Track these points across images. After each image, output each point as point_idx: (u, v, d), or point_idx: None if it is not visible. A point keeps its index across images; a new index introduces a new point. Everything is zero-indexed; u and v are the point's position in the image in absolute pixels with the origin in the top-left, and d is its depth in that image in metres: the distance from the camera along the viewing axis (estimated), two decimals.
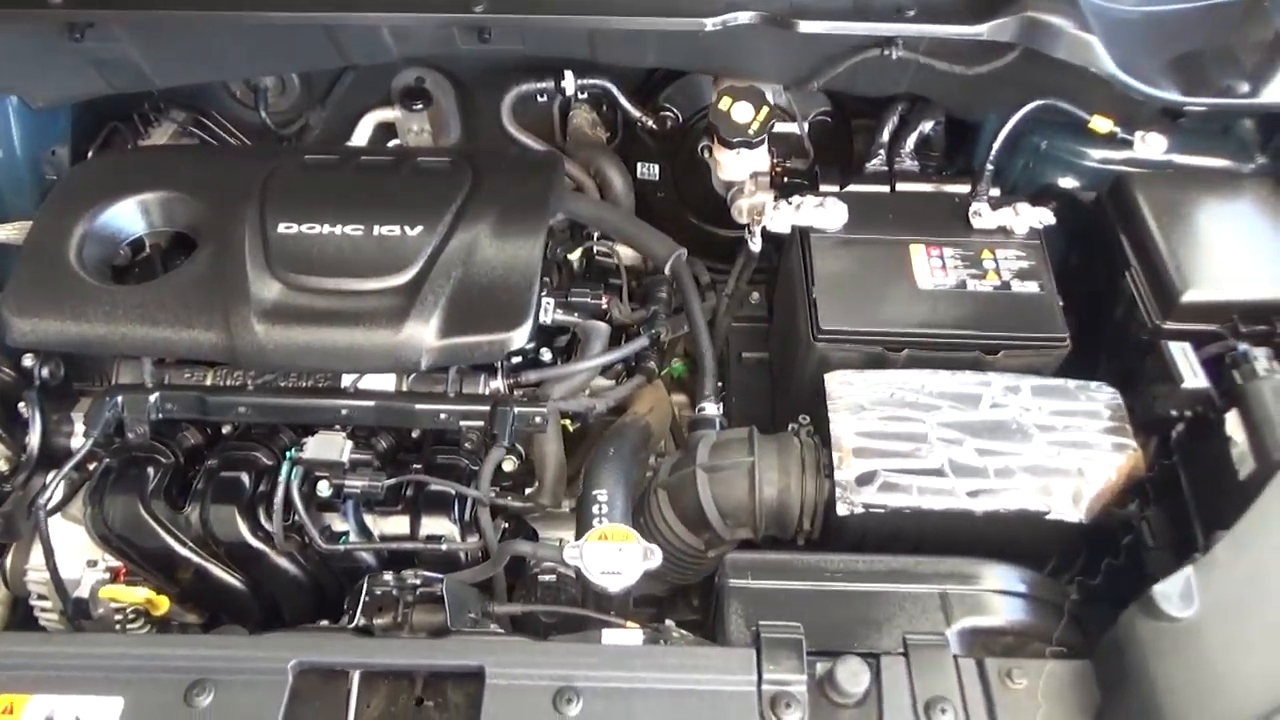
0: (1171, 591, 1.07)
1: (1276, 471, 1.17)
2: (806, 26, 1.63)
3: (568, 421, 1.73)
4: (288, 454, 1.51)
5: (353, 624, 1.24)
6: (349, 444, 1.49)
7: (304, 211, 1.66)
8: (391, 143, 2.25)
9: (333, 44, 1.79)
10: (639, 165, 2.24)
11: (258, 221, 1.64)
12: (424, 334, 1.53)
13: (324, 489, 1.48)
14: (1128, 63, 1.64)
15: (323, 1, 1.70)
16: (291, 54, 1.85)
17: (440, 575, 1.26)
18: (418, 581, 1.24)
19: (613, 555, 1.26)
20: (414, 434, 1.68)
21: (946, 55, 1.71)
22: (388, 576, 1.25)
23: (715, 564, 1.58)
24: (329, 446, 1.48)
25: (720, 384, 1.94)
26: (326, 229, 1.64)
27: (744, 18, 1.62)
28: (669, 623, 1.37)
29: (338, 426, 1.55)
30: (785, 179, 1.99)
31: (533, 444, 1.66)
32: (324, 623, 1.37)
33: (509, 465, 1.71)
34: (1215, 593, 1.08)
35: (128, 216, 1.70)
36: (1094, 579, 1.36)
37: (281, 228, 1.64)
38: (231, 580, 1.55)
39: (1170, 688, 1.03)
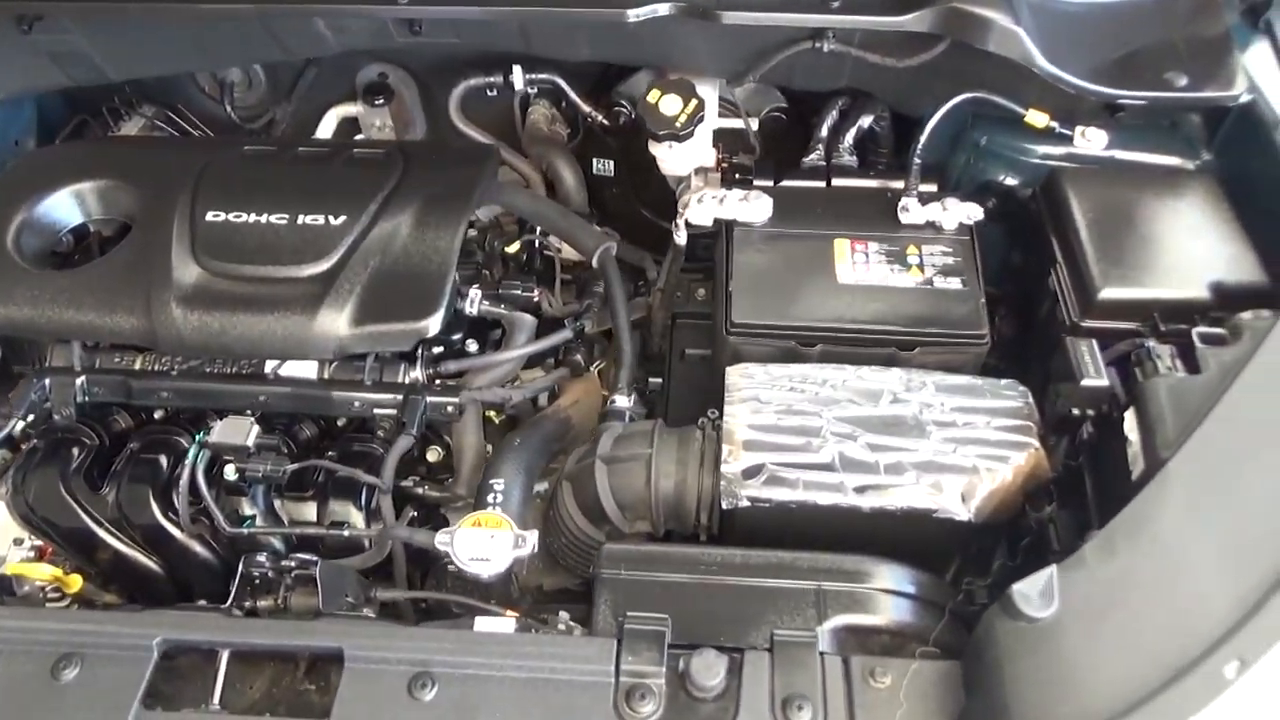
0: (1031, 591, 1.03)
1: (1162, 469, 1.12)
2: (730, 18, 1.62)
3: (494, 414, 1.73)
4: (196, 437, 1.52)
5: (228, 605, 1.24)
6: (255, 428, 1.50)
7: (234, 200, 1.68)
8: (356, 138, 2.27)
9: (271, 37, 1.81)
10: (595, 161, 2.24)
11: (188, 210, 1.67)
12: (337, 322, 1.54)
13: (230, 472, 1.49)
14: (1063, 56, 1.59)
15: None
16: (235, 47, 1.88)
17: (316, 559, 1.26)
18: (292, 564, 1.24)
19: (483, 542, 1.25)
20: (340, 423, 1.69)
21: (879, 48, 1.68)
22: (262, 558, 1.25)
23: None
24: (235, 430, 1.49)
25: (649, 378, 1.94)
26: (253, 217, 1.66)
27: (664, 9, 1.61)
28: (563, 614, 1.36)
29: (249, 412, 1.56)
30: (736, 175, 1.97)
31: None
32: (202, 603, 1.38)
33: (433, 455, 1.72)
34: (1078, 594, 1.04)
35: (66, 205, 1.75)
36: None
37: (210, 216, 1.66)
38: (147, 563, 1.57)
39: (1021, 689, 1.00)
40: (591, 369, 1.85)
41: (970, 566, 1.44)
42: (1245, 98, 1.56)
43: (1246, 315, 1.33)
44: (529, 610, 1.50)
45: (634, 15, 1.62)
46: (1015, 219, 1.76)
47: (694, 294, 2.04)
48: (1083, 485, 1.34)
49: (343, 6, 1.67)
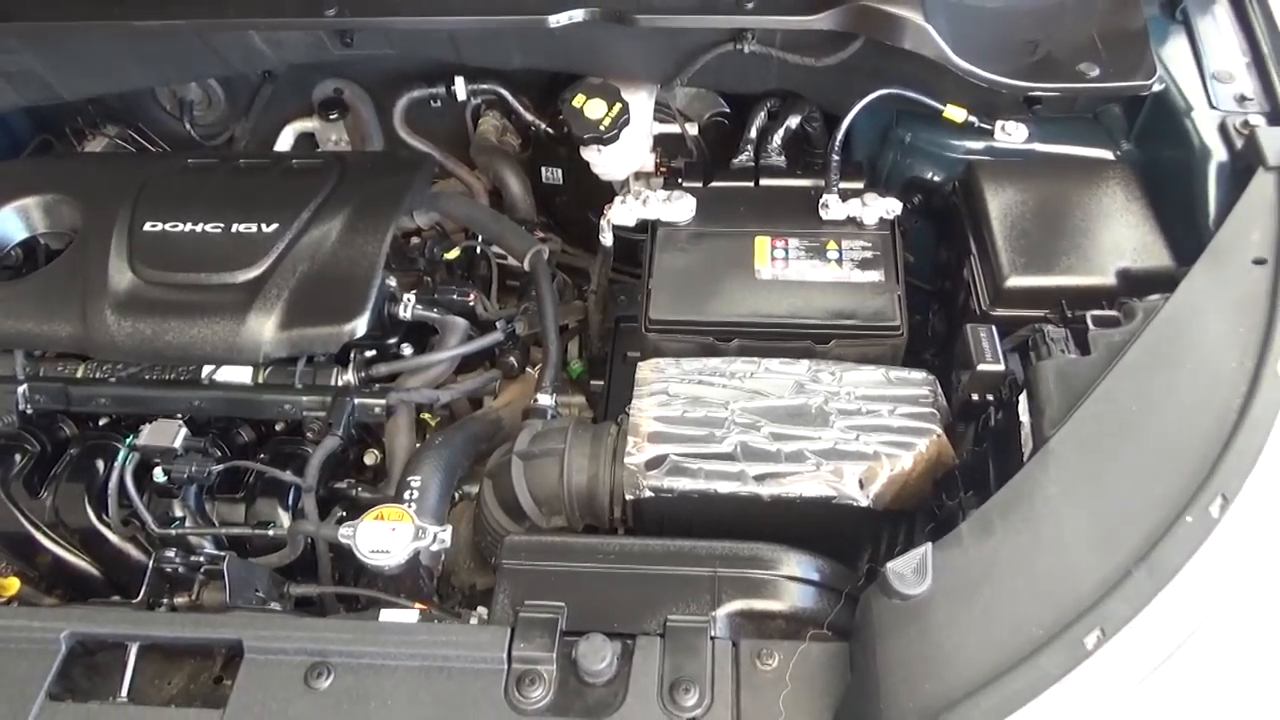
0: (904, 569, 1.04)
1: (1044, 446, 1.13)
2: (646, 21, 1.65)
3: (429, 416, 1.76)
4: (125, 440, 1.56)
5: (139, 600, 1.27)
6: (183, 431, 1.53)
7: (171, 210, 1.73)
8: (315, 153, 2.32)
9: (211, 52, 1.86)
10: (543, 169, 2.27)
11: (128, 220, 1.72)
12: (264, 326, 1.58)
13: (158, 475, 1.52)
14: (978, 52, 1.61)
15: (194, 10, 1.77)
16: (176, 63, 1.93)
17: (224, 554, 1.28)
18: (202, 560, 1.27)
19: (384, 535, 1.27)
20: (278, 427, 1.72)
21: (799, 48, 1.71)
22: (172, 553, 1.28)
23: None
24: (162, 433, 1.53)
25: (591, 382, 1.96)
26: (189, 227, 1.71)
27: (581, 14, 1.64)
28: (480, 610, 1.37)
29: (181, 416, 1.60)
30: (679, 180, 2.00)
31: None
32: (115, 599, 1.41)
33: (370, 459, 1.75)
34: (952, 572, 1.05)
35: (11, 221, 1.80)
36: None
37: (148, 226, 1.71)
38: (85, 566, 1.60)
39: (891, 665, 1.01)
40: (529, 369, 1.88)
41: (884, 557, 1.44)
42: (1157, 86, 1.58)
43: (1152, 299, 1.34)
44: (449, 608, 1.52)
45: (554, 21, 1.65)
46: (942, 214, 1.77)
47: (636, 298, 2.06)
48: (987, 470, 1.34)
49: (272, 19, 1.71)
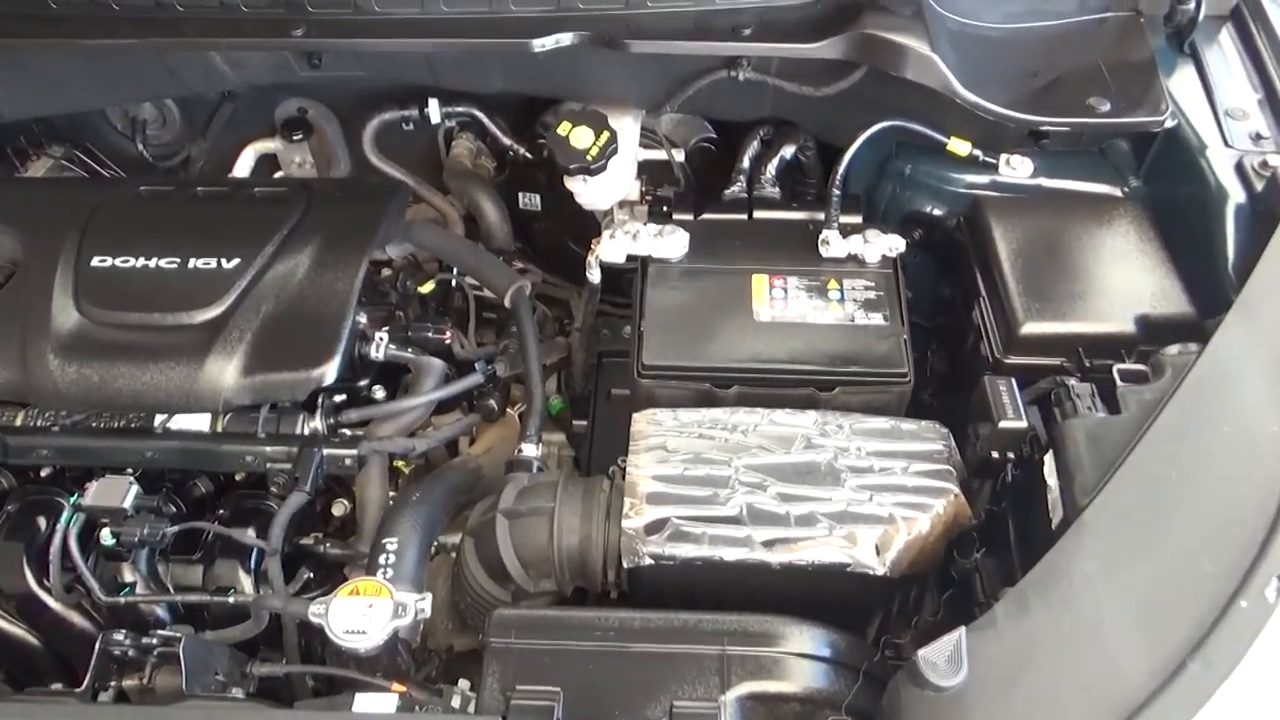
0: (937, 658, 0.95)
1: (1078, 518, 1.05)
2: (639, 47, 1.56)
3: (403, 464, 1.64)
4: (70, 499, 1.42)
5: (83, 689, 1.14)
6: (134, 489, 1.40)
7: (122, 244, 1.60)
8: (276, 174, 2.19)
9: (168, 72, 1.73)
10: (521, 195, 2.17)
11: (74, 254, 1.59)
12: (225, 372, 1.46)
13: (106, 537, 1.39)
14: (983, 83, 1.54)
15: (151, 30, 1.64)
16: (131, 83, 1.80)
17: (180, 635, 1.16)
18: (155, 642, 1.14)
19: (359, 613, 1.15)
20: (238, 477, 1.60)
21: (797, 76, 1.63)
22: (120, 636, 1.15)
23: None
24: (111, 491, 1.39)
25: (574, 421, 1.87)
26: (141, 262, 1.58)
27: (569, 39, 1.54)
28: (462, 684, 1.27)
29: (131, 471, 1.47)
30: (663, 208, 1.91)
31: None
32: (56, 686, 1.28)
33: (339, 510, 1.63)
34: (988, 658, 0.96)
35: None
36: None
37: (96, 260, 1.58)
38: (24, 635, 1.45)
39: None
40: (511, 411, 1.77)
41: (896, 619, 1.36)
42: (1169, 122, 1.52)
43: (1171, 350, 1.27)
44: (428, 678, 1.41)
45: (539, 45, 1.56)
46: (944, 249, 1.70)
47: (619, 331, 1.97)
48: (1007, 532, 1.27)
49: (234, 40, 1.59)
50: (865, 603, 1.30)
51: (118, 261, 1.57)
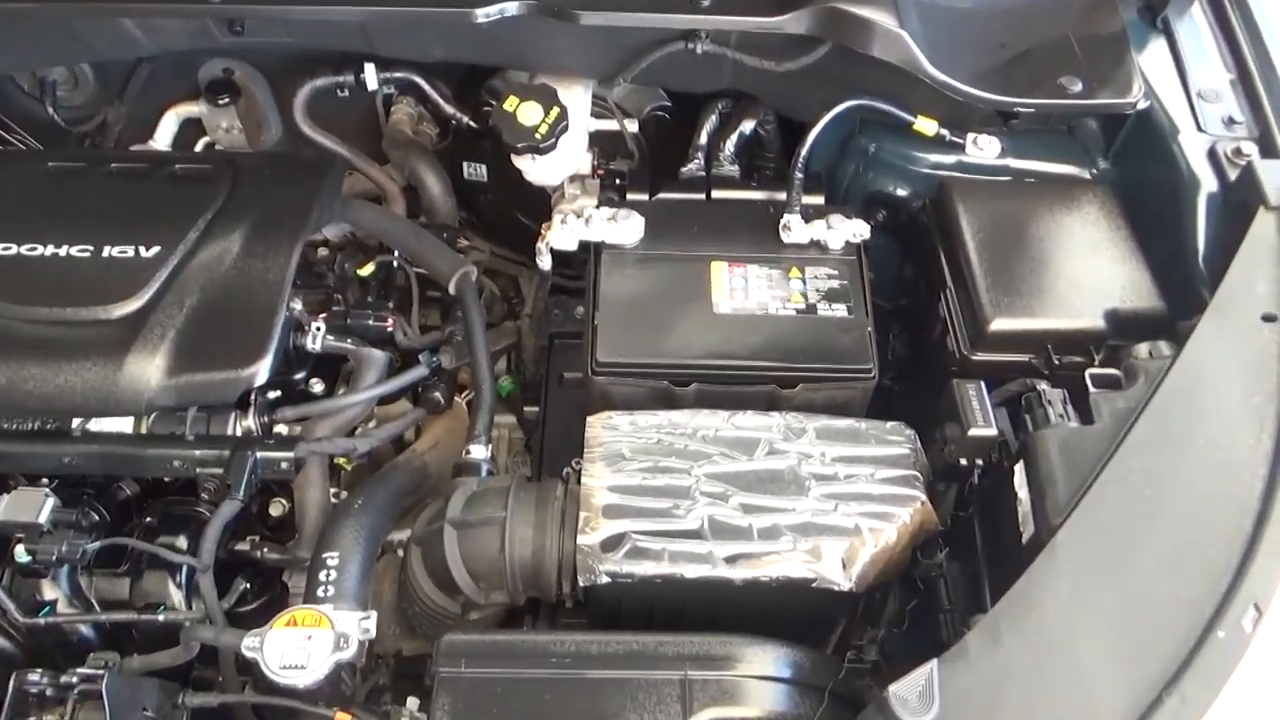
0: (909, 694, 0.91)
1: (1049, 542, 1.01)
2: (591, 19, 1.45)
3: (344, 460, 1.56)
4: None
5: None
6: (50, 501, 1.30)
7: (28, 229, 1.47)
8: (201, 140, 2.05)
9: (74, 38, 1.58)
10: (465, 165, 2.06)
11: None
12: (148, 371, 1.35)
13: (21, 554, 1.29)
14: (952, 60, 1.47)
15: None
16: (34, 48, 1.64)
17: (101, 672, 1.08)
18: (74, 680, 1.06)
19: (298, 645, 1.08)
20: (168, 479, 1.50)
21: (757, 50, 1.54)
22: (36, 676, 1.07)
23: (485, 626, 1.42)
24: (25, 505, 1.29)
25: (525, 407, 1.79)
26: (50, 250, 1.45)
27: (514, 8, 1.43)
28: (411, 703, 1.21)
29: (46, 481, 1.36)
30: (616, 181, 1.81)
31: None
32: None
33: (276, 510, 1.54)
34: (960, 691, 0.93)
35: None
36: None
37: None
38: None
39: None
40: (458, 400, 1.69)
41: (858, 622, 1.33)
42: (1141, 104, 1.46)
43: (1142, 349, 1.24)
44: (375, 687, 1.35)
45: (482, 15, 1.44)
46: (907, 230, 1.64)
47: (571, 311, 1.89)
48: (973, 537, 1.23)
49: (146, 6, 1.45)
50: (829, 615, 1.26)
51: (23, 250, 1.44)
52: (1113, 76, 1.49)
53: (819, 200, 1.61)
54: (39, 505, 1.30)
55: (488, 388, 1.49)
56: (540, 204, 1.92)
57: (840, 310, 1.44)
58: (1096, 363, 1.29)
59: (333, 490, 1.53)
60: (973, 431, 1.18)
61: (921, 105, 1.54)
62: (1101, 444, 1.07)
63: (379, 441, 1.51)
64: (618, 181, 1.80)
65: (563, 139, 1.61)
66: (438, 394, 1.60)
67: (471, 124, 1.90)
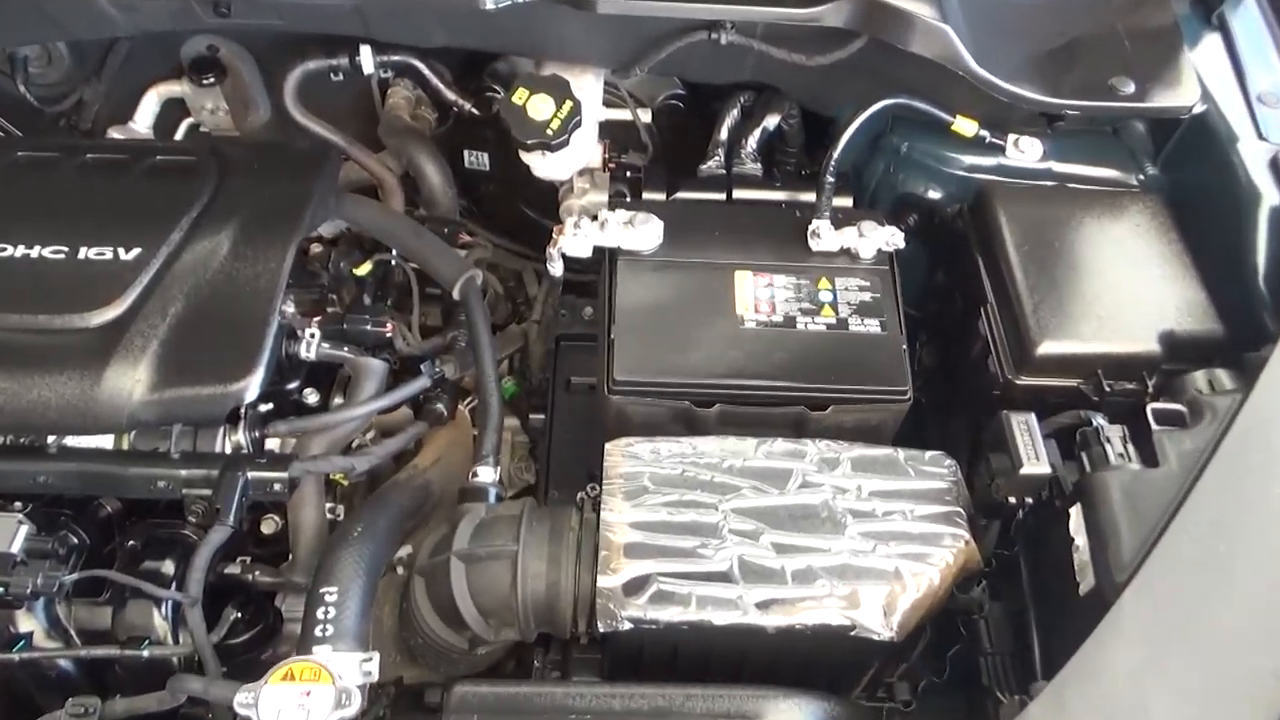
0: None
1: (1117, 599, 0.93)
2: (607, 6, 1.34)
3: (340, 476, 1.46)
4: None
5: None
6: (24, 529, 1.20)
7: None
8: (184, 121, 1.92)
9: (44, 17, 1.46)
10: (467, 153, 1.95)
11: None
12: (128, 386, 1.24)
13: None
14: (996, 55, 1.37)
15: None
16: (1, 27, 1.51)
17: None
18: None
19: (295, 703, 0.99)
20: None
21: (786, 42, 1.43)
22: None
23: (493, 660, 1.35)
24: None
25: (529, 414, 1.70)
26: (21, 251, 1.34)
27: None
28: None
29: (18, 505, 1.26)
30: (626, 174, 1.71)
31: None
32: None
33: (268, 527, 1.45)
34: None
35: None
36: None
37: None
38: None
39: None
40: (462, 407, 1.60)
41: (889, 661, 1.25)
42: (1198, 108, 1.37)
43: (1199, 377, 1.16)
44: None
45: (491, 1, 1.33)
46: (939, 234, 1.55)
47: (580, 312, 1.79)
48: (1018, 576, 1.16)
49: None
50: (864, 660, 1.18)
51: None
52: (1166, 77, 1.39)
53: (847, 202, 1.52)
54: (11, 533, 1.20)
55: (495, 404, 1.39)
56: (545, 195, 1.82)
57: (873, 326, 1.35)
58: (1150, 389, 1.21)
59: (328, 505, 1.44)
60: (1025, 470, 1.09)
61: (960, 103, 1.44)
62: (1168, 490, 0.99)
63: (378, 460, 1.41)
64: (629, 175, 1.71)
65: (574, 136, 1.50)
66: (440, 406, 1.50)
67: (474, 111, 1.78)
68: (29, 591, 1.18)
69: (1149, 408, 1.09)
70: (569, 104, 1.45)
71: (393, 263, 1.63)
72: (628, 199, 1.60)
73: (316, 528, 1.39)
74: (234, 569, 1.35)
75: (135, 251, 1.33)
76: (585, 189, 1.69)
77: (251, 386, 1.26)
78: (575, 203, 1.68)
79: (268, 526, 1.44)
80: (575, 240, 1.41)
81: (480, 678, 1.18)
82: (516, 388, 1.82)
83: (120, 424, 1.26)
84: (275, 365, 1.37)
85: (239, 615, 1.32)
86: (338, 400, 1.50)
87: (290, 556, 1.39)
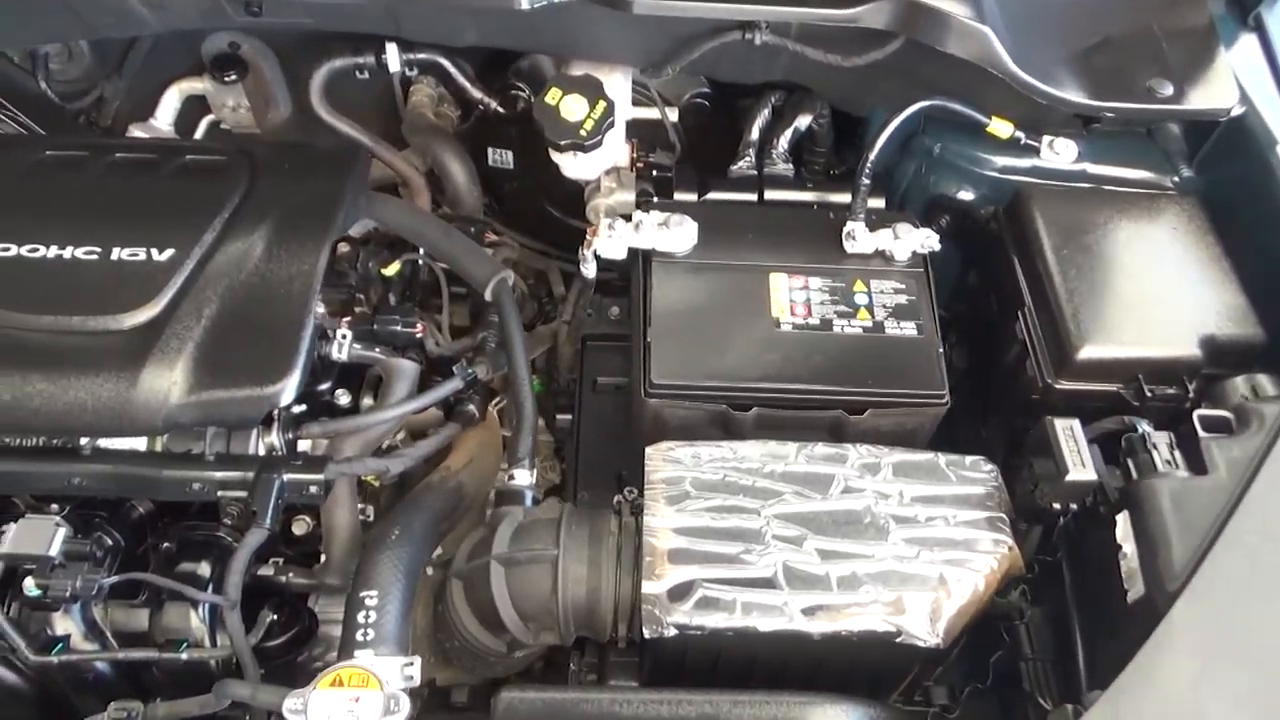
0: None
1: (1169, 608, 0.93)
2: (643, 7, 1.33)
3: (373, 478, 1.46)
4: None
5: None
6: (61, 532, 1.20)
7: (27, 227, 1.34)
8: (205, 118, 1.91)
9: (71, 14, 1.44)
10: (490, 151, 1.94)
11: None
12: (165, 388, 1.23)
13: (30, 587, 1.19)
14: (1032, 55, 1.36)
15: None
16: (23, 24, 1.50)
17: None
18: None
19: (344, 709, 0.99)
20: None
21: (820, 43, 1.42)
22: None
23: (528, 662, 1.35)
24: (33, 536, 1.19)
25: (556, 415, 1.70)
26: (54, 251, 1.33)
27: None
28: None
29: (54, 507, 1.26)
30: (653, 173, 1.70)
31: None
32: None
33: (299, 528, 1.44)
34: None
35: None
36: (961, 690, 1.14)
37: None
38: None
39: None
40: (490, 407, 1.59)
41: (929, 665, 1.25)
42: (1236, 110, 1.36)
43: (1239, 383, 1.16)
44: None
45: (527, 1, 1.32)
46: (971, 236, 1.54)
47: (606, 312, 1.78)
48: (1060, 582, 1.15)
49: None
50: (905, 666, 1.18)
51: (24, 251, 1.32)
52: (1204, 78, 1.38)
53: (879, 204, 1.51)
54: (49, 536, 1.19)
55: (530, 407, 1.38)
56: (569, 193, 1.81)
57: (909, 329, 1.35)
58: (1190, 394, 1.20)
59: (361, 507, 1.44)
60: (1071, 476, 1.09)
61: (994, 104, 1.44)
62: (1218, 498, 0.99)
63: (413, 462, 1.40)
64: (655, 174, 1.70)
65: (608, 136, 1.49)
66: (472, 407, 1.50)
67: (499, 110, 1.78)
68: (68, 594, 1.18)
69: (1195, 414, 1.08)
70: (602, 104, 1.44)
71: (420, 262, 1.63)
72: (654, 198, 1.60)
73: (350, 529, 1.39)
74: (267, 570, 1.35)
75: (169, 252, 1.32)
76: (612, 188, 1.68)
77: (288, 388, 1.26)
78: (603, 202, 1.68)
79: (299, 528, 1.43)
80: (610, 241, 1.40)
81: (525, 683, 1.18)
82: (541, 387, 1.82)
83: (157, 426, 1.25)
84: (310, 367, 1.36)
85: (274, 618, 1.32)
86: (367, 401, 1.49)
87: (323, 558, 1.39)
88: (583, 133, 1.43)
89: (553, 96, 1.43)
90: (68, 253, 1.32)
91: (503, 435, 1.58)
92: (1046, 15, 1.45)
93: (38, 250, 1.32)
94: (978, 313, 1.55)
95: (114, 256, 1.32)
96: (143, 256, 1.32)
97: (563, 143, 1.44)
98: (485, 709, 1.52)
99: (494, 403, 1.61)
